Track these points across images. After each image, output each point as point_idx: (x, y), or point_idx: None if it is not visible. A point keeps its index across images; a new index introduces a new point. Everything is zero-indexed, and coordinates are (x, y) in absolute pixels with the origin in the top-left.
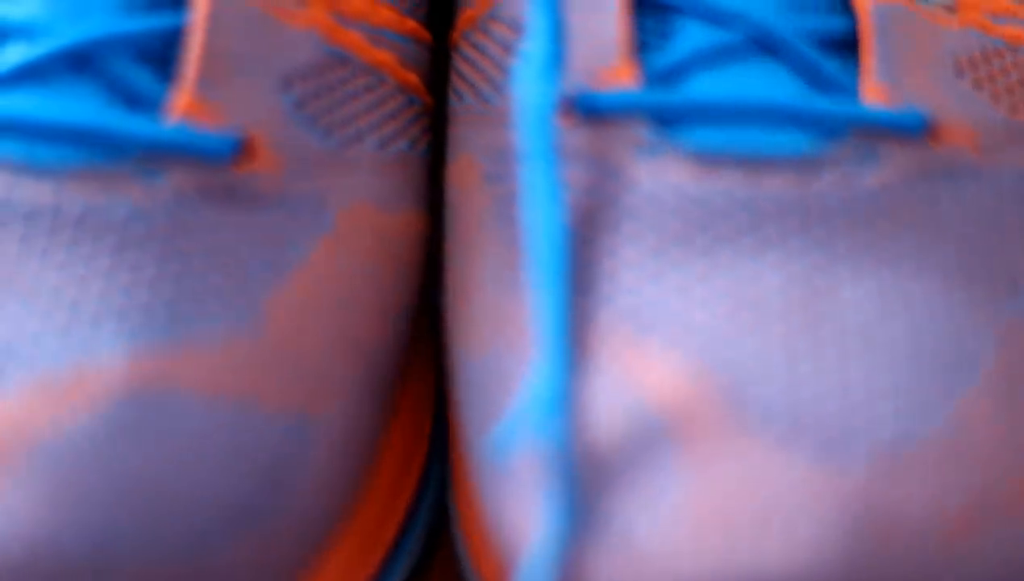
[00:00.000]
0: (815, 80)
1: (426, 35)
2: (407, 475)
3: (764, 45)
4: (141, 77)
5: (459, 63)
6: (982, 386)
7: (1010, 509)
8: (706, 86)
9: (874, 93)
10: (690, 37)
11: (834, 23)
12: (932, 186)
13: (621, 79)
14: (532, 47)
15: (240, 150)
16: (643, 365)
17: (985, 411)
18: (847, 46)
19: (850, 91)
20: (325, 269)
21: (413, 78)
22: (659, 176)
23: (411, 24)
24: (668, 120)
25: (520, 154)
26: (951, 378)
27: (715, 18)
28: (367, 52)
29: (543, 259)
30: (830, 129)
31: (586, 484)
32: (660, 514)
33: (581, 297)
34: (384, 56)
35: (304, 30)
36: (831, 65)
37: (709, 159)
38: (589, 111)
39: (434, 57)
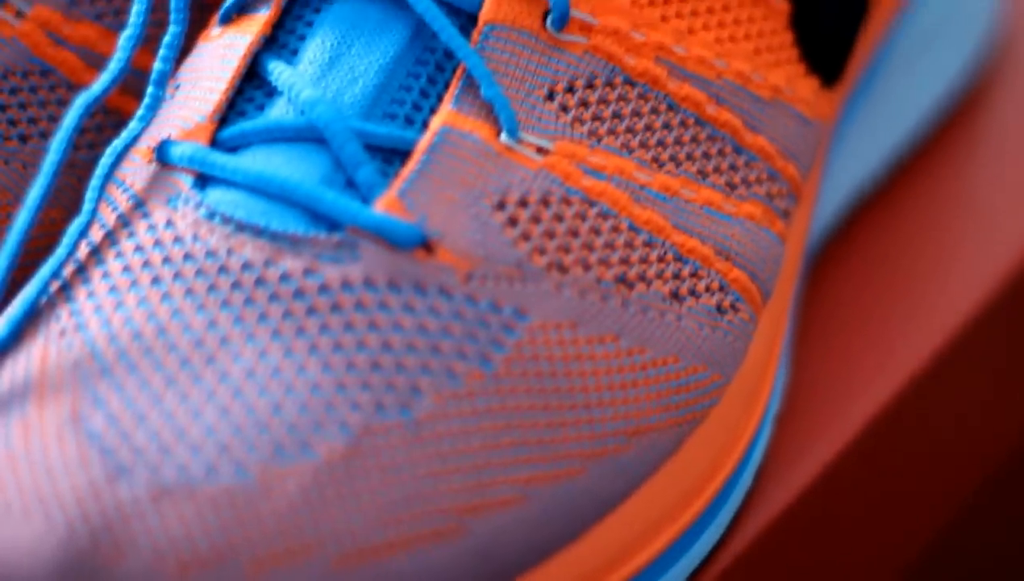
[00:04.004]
0: (351, 178)
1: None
2: None
3: (323, 138)
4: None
5: None
6: (318, 464)
7: (267, 567)
8: (253, 158)
9: (389, 201)
10: (271, 114)
11: (409, 136)
12: (393, 293)
13: (196, 136)
14: (145, 99)
15: None
16: (52, 347)
17: (305, 484)
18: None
19: (375, 195)
20: None
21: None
22: (171, 223)
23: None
24: (205, 179)
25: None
26: (286, 450)
27: (297, 104)
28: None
29: (57, 253)
30: (330, 222)
31: None
32: None
33: (58, 285)
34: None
35: None
36: (370, 168)
37: (215, 219)
38: (159, 156)
39: None
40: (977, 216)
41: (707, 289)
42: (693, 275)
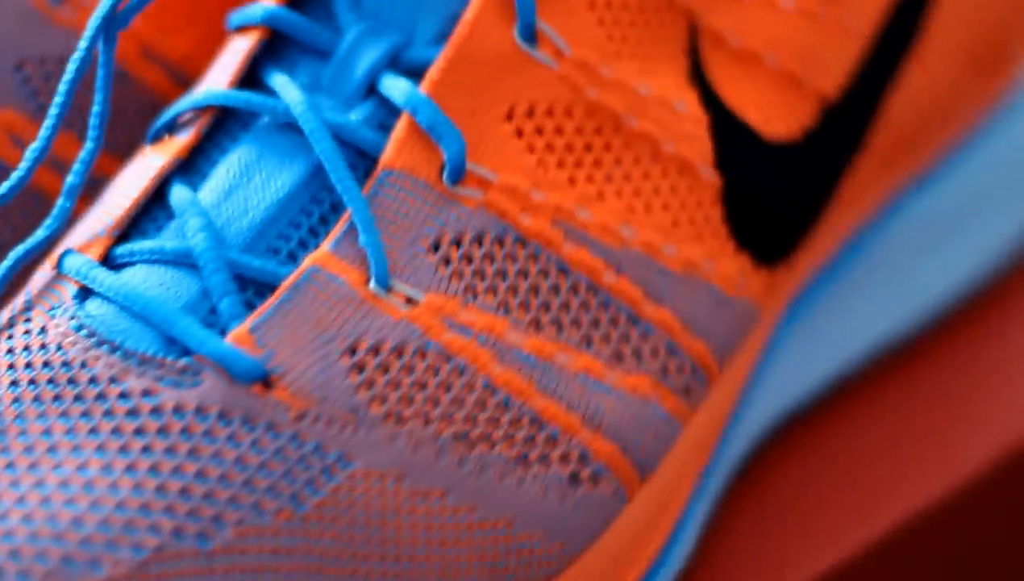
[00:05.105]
0: (215, 308)
1: None
2: None
3: (197, 266)
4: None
5: None
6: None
7: None
8: (132, 277)
9: (239, 334)
10: (162, 236)
11: (281, 272)
12: (221, 424)
13: (91, 249)
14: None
15: None
16: None
17: None
18: None
19: (233, 326)
20: None
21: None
22: (44, 330)
23: None
24: (88, 292)
25: None
26: (75, 563)
27: (183, 229)
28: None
29: None
30: (182, 347)
31: None
32: None
33: None
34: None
35: None
36: (233, 299)
37: (81, 332)
38: (57, 265)
39: None
40: (917, 437)
41: (562, 457)
42: (549, 442)
